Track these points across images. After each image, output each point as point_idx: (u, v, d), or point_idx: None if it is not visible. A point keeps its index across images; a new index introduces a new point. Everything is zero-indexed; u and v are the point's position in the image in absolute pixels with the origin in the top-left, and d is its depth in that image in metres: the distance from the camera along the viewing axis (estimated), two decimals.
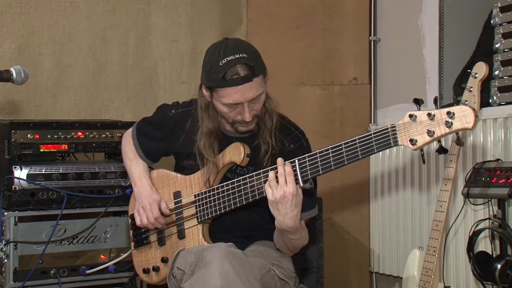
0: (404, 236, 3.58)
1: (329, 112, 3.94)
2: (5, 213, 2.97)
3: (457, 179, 3.07)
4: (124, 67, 3.88)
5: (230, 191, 2.37)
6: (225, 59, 2.27)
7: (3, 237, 2.96)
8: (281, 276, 2.37)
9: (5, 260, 2.95)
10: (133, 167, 2.66)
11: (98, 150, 3.26)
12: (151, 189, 2.57)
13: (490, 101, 3.03)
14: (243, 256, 2.27)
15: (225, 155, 2.44)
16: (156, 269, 2.57)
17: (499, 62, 3.00)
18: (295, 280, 2.49)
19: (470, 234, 2.81)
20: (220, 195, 2.40)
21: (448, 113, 1.88)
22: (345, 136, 3.62)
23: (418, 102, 2.04)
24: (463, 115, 1.86)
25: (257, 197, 2.31)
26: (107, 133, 3.22)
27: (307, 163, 2.17)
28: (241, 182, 2.34)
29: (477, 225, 2.83)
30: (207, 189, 2.45)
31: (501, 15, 3.00)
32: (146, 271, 2.60)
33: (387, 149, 2.09)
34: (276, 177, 2.20)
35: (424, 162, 2.07)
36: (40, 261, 2.99)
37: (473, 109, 1.86)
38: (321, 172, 2.15)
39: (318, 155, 2.15)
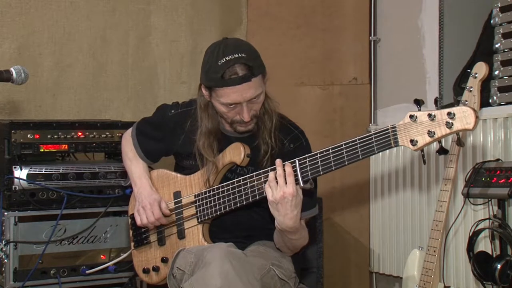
0: (404, 236, 3.59)
1: (329, 112, 3.94)
2: (5, 213, 2.97)
3: (457, 179, 3.07)
4: (124, 67, 3.88)
5: (230, 191, 2.37)
6: (224, 59, 2.27)
7: (3, 237, 2.96)
8: (281, 276, 2.37)
9: (5, 260, 2.95)
10: (133, 167, 2.66)
11: (98, 150, 3.26)
12: (151, 189, 2.57)
13: (490, 101, 3.03)
14: (243, 256, 2.27)
15: (225, 155, 2.44)
16: (156, 269, 2.57)
17: (499, 62, 3.00)
18: (295, 280, 2.49)
19: (470, 234, 2.81)
20: (220, 195, 2.40)
21: (449, 113, 1.88)
22: (345, 136, 3.66)
23: (418, 102, 2.04)
24: (463, 116, 1.86)
25: (257, 197, 2.31)
26: (107, 133, 3.22)
27: (308, 164, 2.17)
28: (241, 182, 2.34)
29: (477, 225, 2.83)
30: (207, 189, 2.45)
31: (501, 15, 3.00)
32: (146, 271, 2.60)
33: (388, 150, 2.08)
34: (276, 178, 2.20)
35: (424, 163, 2.07)
36: (40, 261, 2.99)
37: (474, 110, 1.86)
38: (321, 173, 2.15)
39: (318, 155, 2.15)
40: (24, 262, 2.98)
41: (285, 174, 2.18)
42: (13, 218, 2.97)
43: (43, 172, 3.05)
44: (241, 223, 2.50)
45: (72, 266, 3.07)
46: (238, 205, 2.36)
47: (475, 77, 2.68)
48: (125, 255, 3.11)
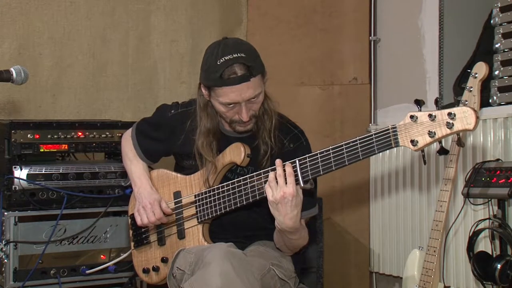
0: (404, 236, 3.59)
1: (329, 112, 3.94)
2: (5, 213, 2.97)
3: (457, 179, 3.07)
4: (124, 67, 3.88)
5: (231, 191, 2.37)
6: (223, 58, 2.27)
7: (3, 237, 2.96)
8: (281, 276, 2.37)
9: (5, 260, 2.95)
10: (132, 167, 2.66)
11: (98, 150, 3.26)
12: (151, 189, 2.57)
13: (490, 101, 3.03)
14: (243, 256, 2.27)
15: (226, 155, 2.44)
16: (156, 269, 2.57)
17: (499, 62, 3.00)
18: (295, 280, 2.49)
19: (470, 234, 2.81)
20: (220, 195, 2.40)
21: (449, 114, 1.88)
22: (345, 136, 3.67)
23: (419, 103, 2.04)
24: (464, 116, 1.87)
25: (257, 197, 2.31)
26: (107, 133, 3.22)
27: (308, 164, 2.17)
28: (242, 182, 2.34)
29: (477, 225, 2.83)
30: (207, 189, 2.45)
31: (501, 15, 3.00)
32: (146, 271, 2.60)
33: (388, 150, 2.08)
34: (276, 178, 2.20)
35: (425, 163, 2.07)
36: (40, 261, 2.99)
37: (474, 110, 1.85)
38: (321, 173, 2.15)
39: (318, 155, 2.15)
40: (24, 262, 2.98)
41: (285, 174, 2.18)
42: (13, 218, 2.97)
43: (43, 172, 3.05)
44: (241, 223, 2.50)
45: (72, 266, 3.07)
46: (238, 205, 2.36)
47: (475, 77, 2.67)
48: (125, 255, 3.11)
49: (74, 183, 3.10)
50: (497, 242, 2.80)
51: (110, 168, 3.18)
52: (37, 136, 3.07)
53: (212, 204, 2.42)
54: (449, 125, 1.89)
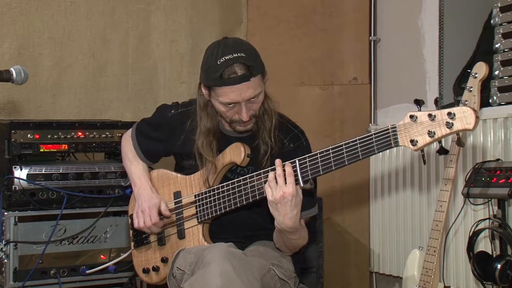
0: (404, 236, 3.59)
1: (329, 112, 3.94)
2: (5, 213, 2.97)
3: (457, 179, 3.07)
4: (124, 67, 3.88)
5: (230, 191, 2.37)
6: (223, 58, 2.27)
7: (3, 237, 2.96)
8: (281, 276, 2.37)
9: (5, 260, 2.95)
10: (132, 167, 2.66)
11: (98, 150, 3.26)
12: (151, 191, 2.57)
13: (490, 101, 3.03)
14: (243, 256, 2.27)
15: (226, 155, 2.44)
16: (156, 269, 2.57)
17: (499, 62, 3.00)
18: (295, 280, 2.49)
19: (470, 234, 2.81)
20: (220, 195, 2.40)
21: (449, 114, 1.88)
22: (345, 136, 3.67)
23: (418, 102, 2.04)
24: (464, 116, 1.86)
25: (257, 197, 2.31)
26: (107, 133, 3.22)
27: (308, 164, 2.17)
28: (241, 182, 2.34)
29: (477, 225, 2.83)
30: (207, 189, 2.45)
31: (501, 15, 3.00)
32: (146, 271, 2.59)
33: (388, 150, 2.08)
34: (276, 178, 2.20)
35: (424, 163, 2.07)
36: (40, 261, 2.99)
37: (474, 110, 1.85)
38: (321, 173, 2.15)
39: (318, 155, 2.15)
40: (24, 262, 2.98)
41: (285, 174, 2.18)
42: (13, 218, 2.97)
43: (43, 172, 3.05)
44: (241, 223, 2.50)
45: (72, 266, 3.07)
46: (238, 205, 2.36)
47: (475, 77, 2.67)
48: (125, 255, 3.11)
49: (74, 183, 3.10)
50: (497, 242, 2.80)
51: (110, 168, 3.18)
52: (37, 136, 3.07)
53: (212, 204, 2.42)
54: (449, 125, 1.89)
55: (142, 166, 2.66)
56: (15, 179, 2.99)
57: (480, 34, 3.30)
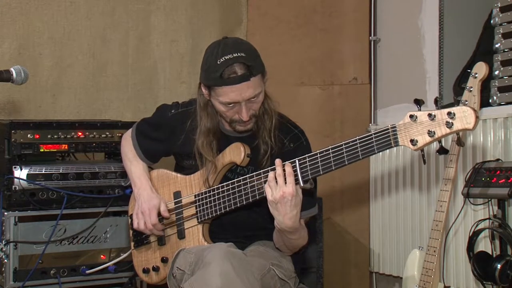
0: (404, 236, 3.59)
1: (329, 112, 3.94)
2: (5, 213, 2.97)
3: (457, 179, 3.07)
4: (124, 67, 3.88)
5: (230, 191, 2.37)
6: (223, 58, 2.27)
7: (3, 237, 2.96)
8: (281, 276, 2.37)
9: (5, 260, 2.95)
10: (132, 167, 2.65)
11: (98, 150, 3.26)
12: (151, 191, 2.57)
13: (490, 101, 3.03)
14: (243, 256, 2.27)
15: (225, 155, 2.44)
16: (156, 269, 2.57)
17: (499, 62, 3.00)
18: (295, 280, 2.49)
19: (470, 234, 2.81)
20: (220, 195, 2.40)
21: (449, 113, 1.88)
22: (345, 136, 3.67)
23: (418, 102, 2.04)
24: (463, 116, 1.86)
25: (257, 197, 2.31)
26: (107, 133, 3.22)
27: (308, 163, 2.17)
28: (241, 182, 2.34)
29: (477, 225, 2.83)
30: (207, 189, 2.45)
31: (501, 15, 3.00)
32: (146, 271, 2.59)
33: (388, 149, 2.08)
34: (276, 178, 2.20)
35: (424, 163, 2.07)
36: (40, 261, 2.99)
37: (474, 110, 1.85)
38: (321, 172, 2.15)
39: (318, 155, 2.15)
40: (24, 262, 2.98)
41: (285, 174, 2.18)
42: (13, 218, 2.97)
43: (43, 172, 3.05)
44: (241, 223, 2.50)
45: (72, 266, 3.07)
46: (238, 205, 2.36)
47: (475, 77, 2.67)
48: (125, 255, 3.11)
49: (74, 183, 3.10)
50: (497, 242, 2.80)
51: (110, 168, 3.18)
52: (37, 136, 3.07)
53: (212, 204, 2.42)
54: (449, 125, 1.89)
55: (142, 166, 2.66)
56: (15, 179, 2.99)
57: (480, 34, 3.30)
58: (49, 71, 3.69)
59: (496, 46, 3.02)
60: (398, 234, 3.63)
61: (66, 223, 3.06)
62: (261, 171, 2.29)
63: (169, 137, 2.59)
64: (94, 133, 3.20)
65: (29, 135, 3.06)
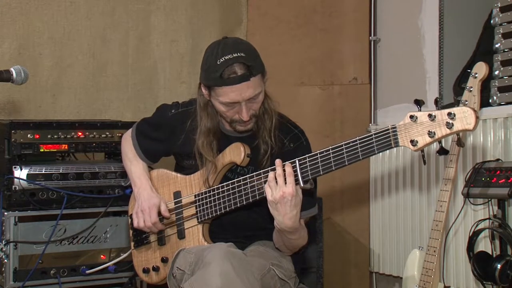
0: (404, 236, 3.59)
1: (329, 112, 3.94)
2: (5, 213, 2.97)
3: (457, 179, 3.07)
4: (124, 67, 3.88)
5: (231, 191, 2.37)
6: (223, 58, 2.27)
7: (3, 237, 2.96)
8: (281, 276, 2.37)
9: (5, 260, 2.95)
10: (132, 167, 2.66)
11: (98, 150, 3.26)
12: (151, 191, 2.57)
13: (490, 101, 3.03)
14: (243, 256, 2.27)
15: (225, 155, 2.44)
16: (156, 269, 2.57)
17: (499, 62, 3.00)
18: (295, 280, 2.49)
19: (470, 234, 2.81)
20: (220, 195, 2.40)
21: (449, 114, 1.88)
22: (345, 136, 3.67)
23: (418, 103, 2.04)
24: (464, 116, 1.86)
25: (257, 197, 2.31)
26: (107, 133, 3.22)
27: (308, 164, 2.17)
28: (241, 182, 2.34)
29: (477, 225, 2.83)
30: (207, 189, 2.45)
31: (501, 15, 3.00)
32: (146, 271, 2.59)
33: (388, 150, 2.08)
34: (276, 178, 2.20)
35: (424, 163, 2.07)
36: (40, 261, 2.99)
37: (474, 110, 1.85)
38: (321, 173, 2.15)
39: (318, 155, 2.15)
40: (24, 262, 2.98)
41: (285, 174, 2.18)
42: (13, 218, 2.97)
43: (43, 172, 3.05)
44: (241, 223, 2.50)
45: (72, 266, 3.08)
46: (238, 205, 2.36)
47: (475, 77, 2.67)
48: (125, 255, 3.11)
49: (74, 183, 3.10)
50: (497, 242, 2.80)
51: (110, 168, 3.18)
52: (37, 136, 3.07)
53: (212, 204, 2.42)
54: (449, 125, 1.89)
55: (142, 166, 2.66)
56: (15, 179, 2.99)
57: (480, 34, 3.30)
58: (49, 71, 3.69)
59: (496, 46, 3.01)
60: (398, 234, 3.63)
61: (66, 223, 3.06)
62: (261, 171, 2.29)
63: (169, 137, 2.59)
64: (94, 133, 3.20)
65: (29, 135, 3.06)
